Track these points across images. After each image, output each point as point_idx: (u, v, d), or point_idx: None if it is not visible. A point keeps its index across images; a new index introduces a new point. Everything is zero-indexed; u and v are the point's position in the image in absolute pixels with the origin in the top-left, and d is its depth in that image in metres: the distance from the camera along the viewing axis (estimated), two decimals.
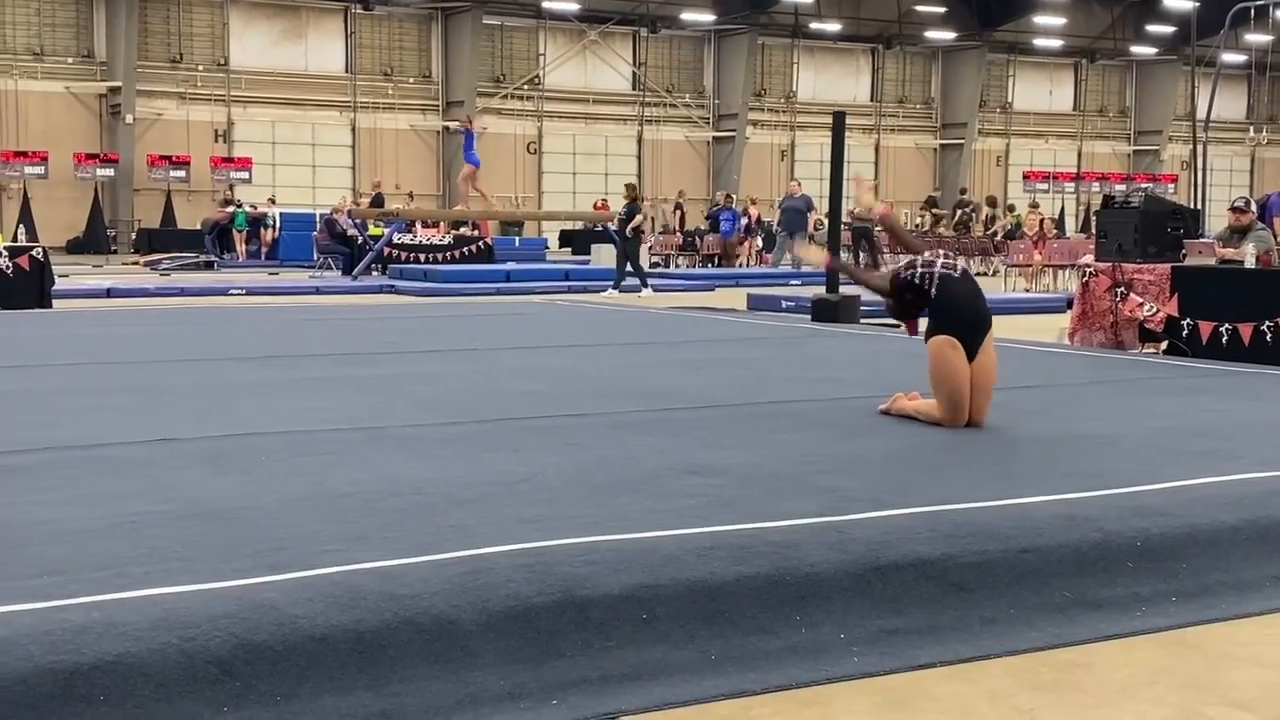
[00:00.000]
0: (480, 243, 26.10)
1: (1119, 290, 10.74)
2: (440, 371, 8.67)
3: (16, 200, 30.90)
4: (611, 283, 20.01)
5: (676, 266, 29.47)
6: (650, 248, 29.50)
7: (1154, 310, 10.47)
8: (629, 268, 20.23)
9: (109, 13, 36.10)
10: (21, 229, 20.09)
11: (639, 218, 20.42)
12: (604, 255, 25.55)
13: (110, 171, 35.12)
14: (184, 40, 37.41)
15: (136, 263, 28.61)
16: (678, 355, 9.91)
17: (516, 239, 33.53)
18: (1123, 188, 38.76)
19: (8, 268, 15.00)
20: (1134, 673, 3.60)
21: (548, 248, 34.20)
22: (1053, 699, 3.40)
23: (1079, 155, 51.22)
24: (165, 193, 36.12)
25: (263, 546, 3.91)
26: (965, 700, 3.39)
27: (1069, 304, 12.99)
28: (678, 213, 33.72)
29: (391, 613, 3.37)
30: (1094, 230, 12.80)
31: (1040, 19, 47.44)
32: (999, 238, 28.59)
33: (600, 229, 26.01)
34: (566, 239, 37.57)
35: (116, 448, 5.61)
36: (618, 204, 27.46)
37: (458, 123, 24.25)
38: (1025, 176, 46.62)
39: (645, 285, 19.75)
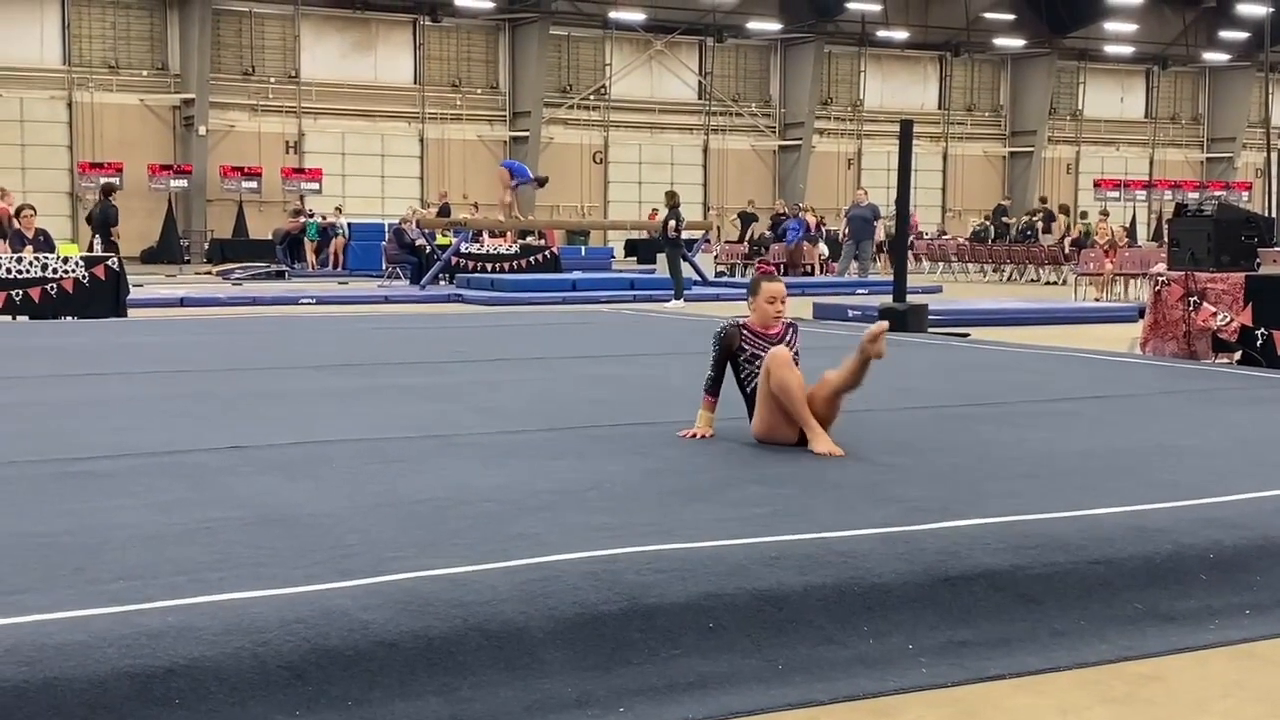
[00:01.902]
0: (546, 252, 26.25)
1: (1192, 299, 10.61)
2: (508, 380, 8.72)
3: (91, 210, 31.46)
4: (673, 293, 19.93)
5: (743, 276, 29.44)
6: (716, 256, 29.52)
7: (1227, 320, 10.33)
8: (693, 272, 20.09)
9: (183, 26, 36.68)
10: (97, 239, 20.42)
11: (672, 222, 20.35)
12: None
13: (184, 182, 35.67)
14: (256, 53, 37.93)
15: (209, 272, 29.03)
16: None
17: (582, 248, 33.72)
18: (1195, 196, 38.27)
19: (84, 277, 15.26)
20: (1207, 686, 3.55)
21: (613, 257, 34.32)
22: (1124, 712, 3.37)
23: (1151, 163, 50.63)
24: (237, 203, 36.63)
25: (334, 552, 3.95)
26: (1036, 713, 3.36)
27: (1141, 313, 12.84)
28: (750, 225, 33.64)
29: (460, 619, 3.40)
30: (1166, 239, 12.64)
31: (1111, 25, 46.95)
32: (1068, 246, 28.33)
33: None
34: (632, 248, 37.68)
35: (192, 454, 5.69)
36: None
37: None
38: (1096, 184, 46.17)
39: (679, 296, 19.59)
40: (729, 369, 6.14)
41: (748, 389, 6.05)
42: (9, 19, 35.04)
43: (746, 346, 6.04)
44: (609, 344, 11.82)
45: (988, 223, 35.96)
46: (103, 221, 20.70)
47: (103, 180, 27.51)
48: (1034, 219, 31.79)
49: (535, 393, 8.07)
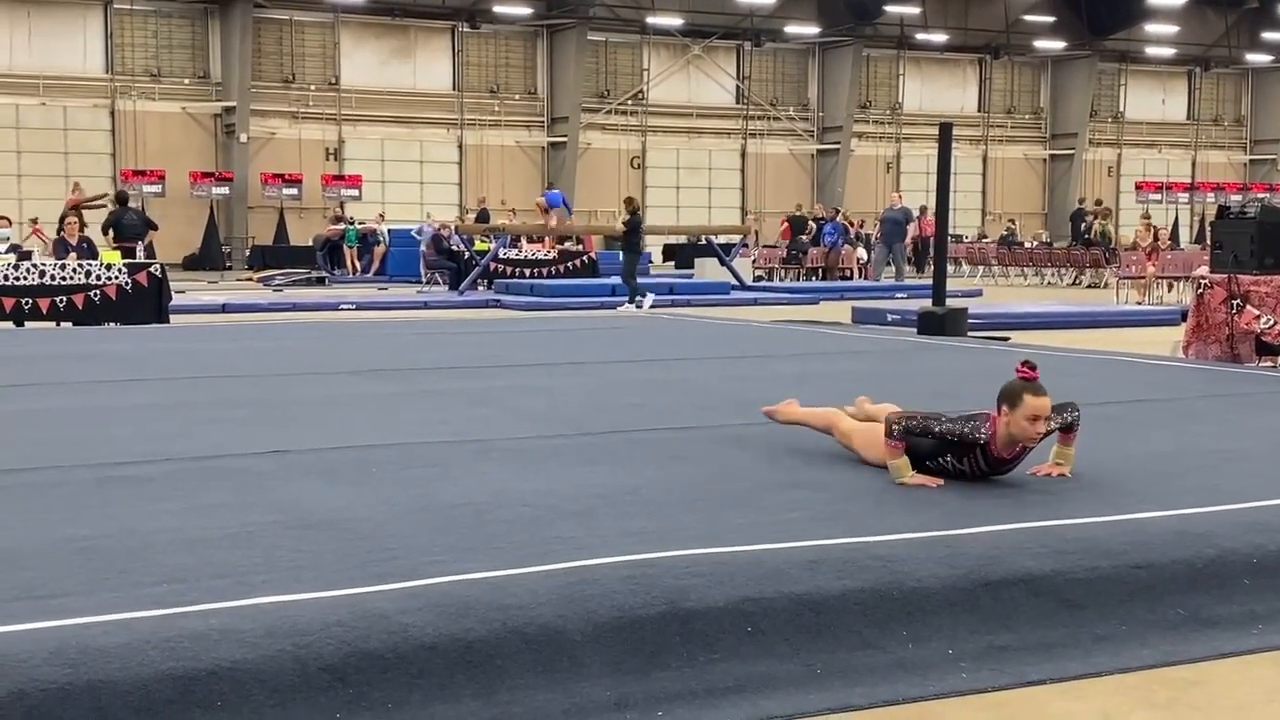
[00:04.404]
0: (584, 257, 26.28)
1: (1235, 302, 10.52)
2: (546, 385, 8.73)
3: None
4: (627, 298, 19.82)
5: (781, 279, 29.41)
6: (754, 261, 29.50)
7: (1271, 323, 10.23)
8: (732, 276, 20.06)
9: (224, 35, 36.97)
10: (140, 246, 20.55)
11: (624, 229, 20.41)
12: (708, 269, 25.58)
13: (225, 190, 35.92)
14: (296, 61, 38.18)
15: (250, 279, 29.20)
16: (782, 369, 9.90)
17: (620, 253, 33.66)
18: (1238, 198, 37.93)
19: (127, 284, 15.40)
20: (1250, 691, 3.52)
21: (651, 262, 34.30)
22: (1167, 717, 3.35)
23: (1193, 165, 50.24)
24: (278, 210, 36.86)
25: (374, 556, 3.98)
26: (1077, 718, 3.34)
27: (1183, 316, 12.74)
28: (786, 224, 33.65)
29: (499, 622, 3.41)
30: (1209, 241, 12.55)
31: (1152, 27, 46.61)
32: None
33: (704, 242, 26.05)
34: (670, 253, 37.65)
35: (233, 459, 5.73)
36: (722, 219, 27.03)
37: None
38: (1138, 187, 45.83)
39: (632, 301, 19.51)
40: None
41: (926, 463, 5.14)
42: (53, 29, 35.42)
43: (965, 461, 5.05)
44: (647, 349, 11.82)
45: (1013, 226, 35.82)
46: (142, 230, 20.71)
47: (118, 189, 27.52)
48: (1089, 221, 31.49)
49: (573, 397, 8.09)
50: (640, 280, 20.63)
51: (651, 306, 19.35)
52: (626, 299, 19.65)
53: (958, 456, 5.04)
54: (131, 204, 21.89)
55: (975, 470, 5.06)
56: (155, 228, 20.63)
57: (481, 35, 40.21)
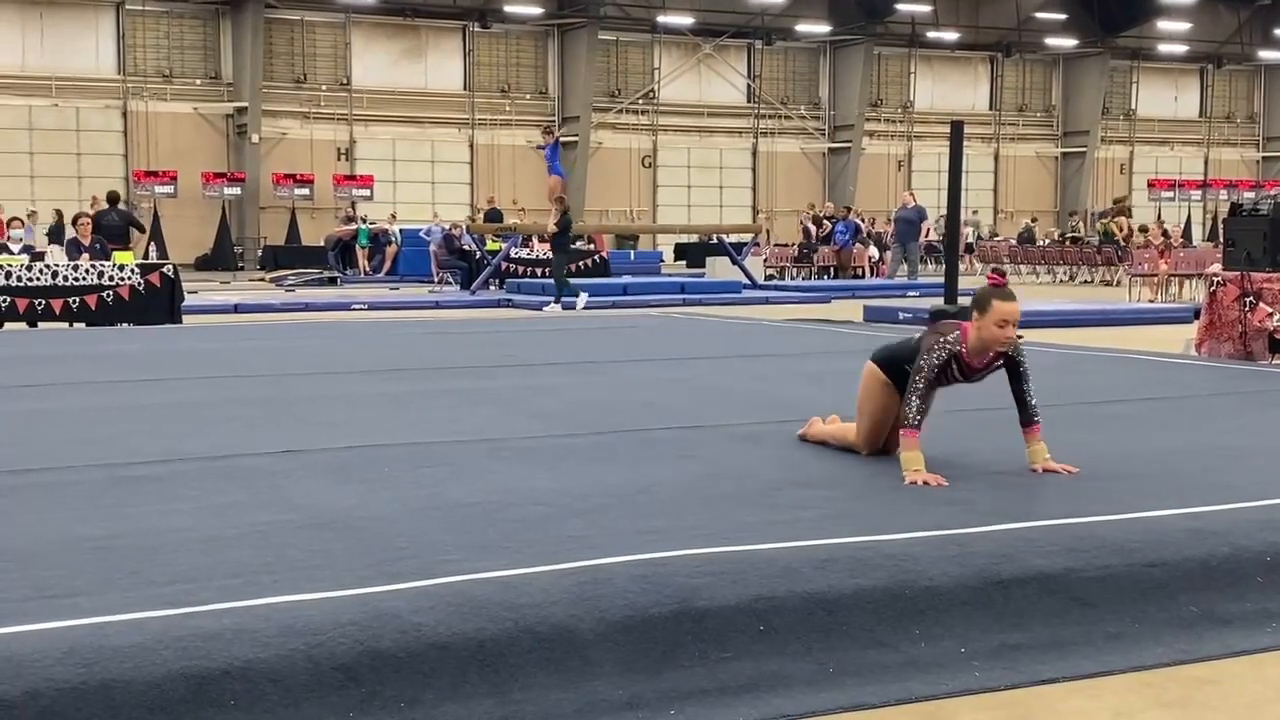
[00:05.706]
0: (596, 256, 26.30)
1: (1247, 300, 10.49)
2: (558, 384, 8.74)
3: (147, 219, 31.73)
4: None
5: (793, 278, 29.38)
6: (765, 260, 29.49)
7: None
8: (743, 274, 19.94)
9: (235, 35, 37.03)
10: (152, 246, 20.62)
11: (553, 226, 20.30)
12: (719, 268, 25.58)
13: (237, 190, 35.96)
14: (307, 61, 38.23)
15: (262, 279, 29.25)
16: (794, 367, 9.89)
17: (632, 252, 33.69)
18: (1251, 195, 37.82)
19: (140, 285, 15.44)
20: (1264, 690, 3.51)
21: (663, 260, 34.31)
22: (1180, 716, 3.34)
23: (1205, 162, 50.09)
24: (290, 210, 36.91)
25: (386, 555, 3.98)
26: (1090, 716, 3.34)
27: (1196, 314, 12.70)
28: (803, 225, 33.61)
29: (511, 621, 3.41)
30: (1222, 239, 12.52)
31: (1164, 24, 46.47)
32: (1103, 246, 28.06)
33: (715, 241, 26.02)
34: (681, 252, 37.65)
35: (245, 458, 5.74)
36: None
37: (541, 138, 24.27)
38: (1150, 184, 45.71)
39: (558, 301, 19.31)
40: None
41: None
42: (65, 30, 35.51)
43: (944, 375, 5.25)
44: (659, 348, 11.82)
45: (1033, 224, 35.78)
46: (123, 230, 20.63)
47: (109, 190, 27.52)
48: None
49: (585, 397, 8.09)
50: (648, 279, 20.53)
51: (585, 307, 19.06)
52: (553, 299, 19.52)
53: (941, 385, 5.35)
54: (121, 205, 21.85)
55: (951, 381, 5.32)
56: (142, 229, 20.61)
57: (492, 35, 40.23)
